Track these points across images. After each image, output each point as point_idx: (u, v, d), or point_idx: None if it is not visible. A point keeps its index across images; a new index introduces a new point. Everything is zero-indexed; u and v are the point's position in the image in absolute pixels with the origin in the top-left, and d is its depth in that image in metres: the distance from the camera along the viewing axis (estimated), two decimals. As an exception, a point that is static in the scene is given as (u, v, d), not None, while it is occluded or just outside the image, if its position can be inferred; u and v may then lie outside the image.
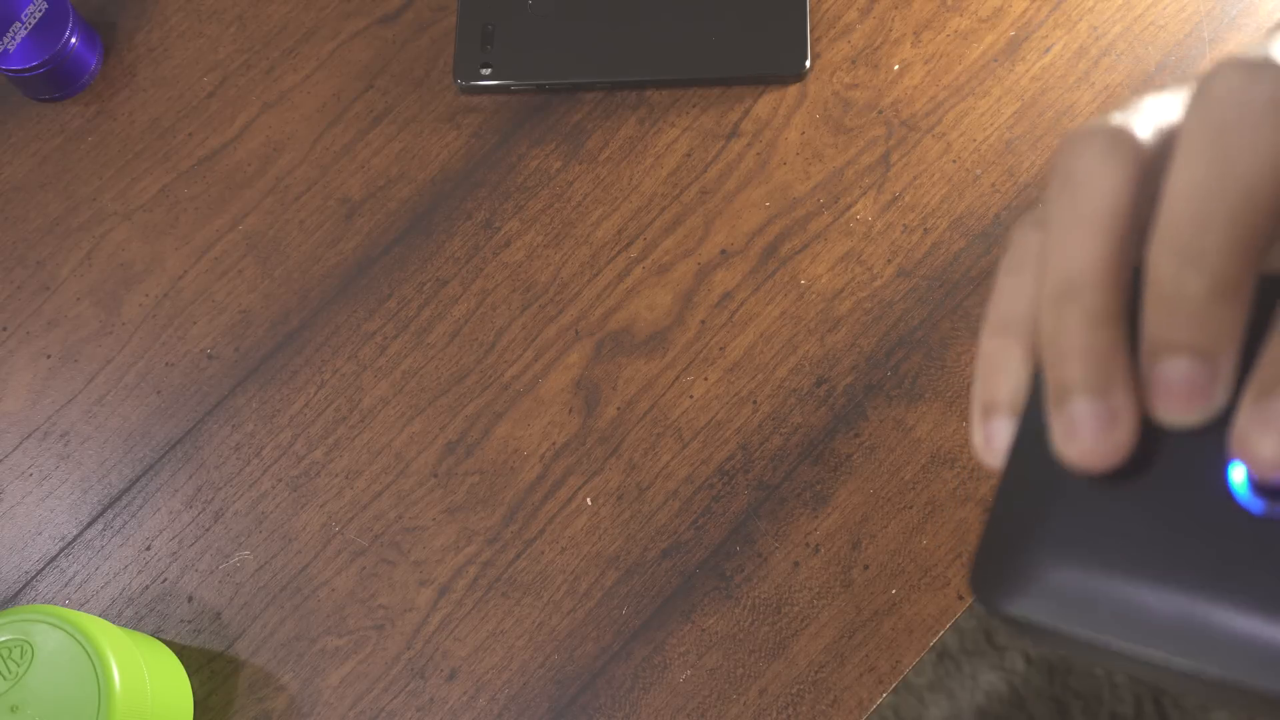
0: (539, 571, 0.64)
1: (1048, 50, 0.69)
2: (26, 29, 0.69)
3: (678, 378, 0.66)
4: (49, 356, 0.68)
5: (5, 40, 0.69)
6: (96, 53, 0.72)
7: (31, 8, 0.69)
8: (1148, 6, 0.69)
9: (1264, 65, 0.25)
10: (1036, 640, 0.28)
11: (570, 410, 0.66)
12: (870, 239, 0.67)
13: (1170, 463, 0.27)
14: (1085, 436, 0.26)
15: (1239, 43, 0.68)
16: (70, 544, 0.66)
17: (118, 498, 0.66)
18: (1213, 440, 0.26)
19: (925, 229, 0.67)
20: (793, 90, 0.70)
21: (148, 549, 0.65)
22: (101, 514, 0.66)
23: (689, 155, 0.69)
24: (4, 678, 0.55)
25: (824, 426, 0.65)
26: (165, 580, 0.65)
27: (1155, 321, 0.26)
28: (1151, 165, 0.27)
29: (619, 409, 0.66)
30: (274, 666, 0.63)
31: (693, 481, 0.64)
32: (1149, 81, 0.68)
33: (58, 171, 0.71)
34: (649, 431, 0.65)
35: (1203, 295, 0.25)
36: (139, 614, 0.65)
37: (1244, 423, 0.25)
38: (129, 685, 0.56)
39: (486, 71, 0.70)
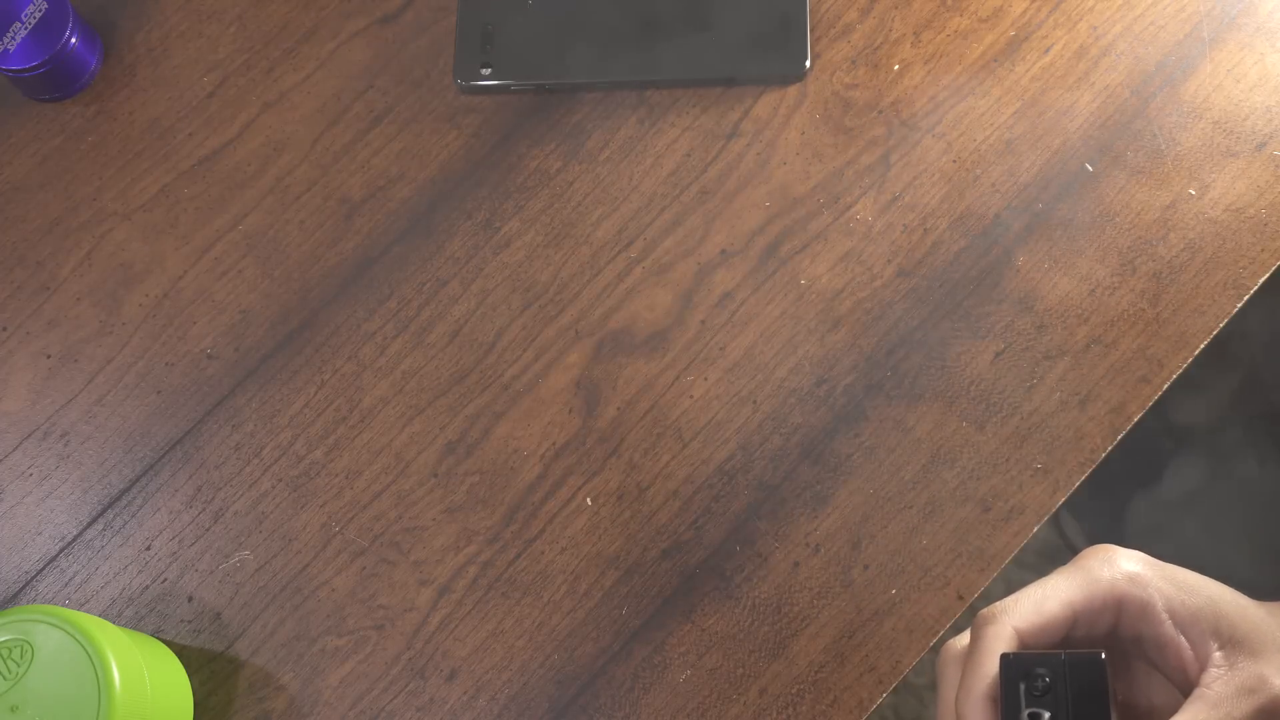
0: (539, 571, 0.64)
1: (1048, 50, 0.69)
2: (26, 29, 0.69)
3: (678, 378, 0.66)
4: (49, 356, 0.68)
5: (5, 40, 0.69)
6: (96, 53, 0.72)
7: (31, 8, 0.69)
8: (1148, 6, 0.69)
9: None
10: None
11: (570, 410, 0.66)
12: (870, 239, 0.67)
13: None
14: None
15: (1239, 43, 0.69)
16: (70, 544, 0.66)
17: (118, 498, 0.66)
18: None
19: (925, 229, 0.67)
20: (793, 90, 0.70)
21: (148, 549, 0.65)
22: (101, 514, 0.66)
23: (689, 155, 0.69)
24: (4, 678, 0.55)
25: (824, 426, 0.65)
26: (165, 580, 0.65)
27: None
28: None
29: (619, 409, 0.66)
30: (274, 666, 0.63)
31: (693, 481, 0.64)
32: (1149, 81, 0.68)
33: (58, 171, 0.71)
34: (649, 431, 0.65)
35: None
36: (139, 614, 0.65)
37: None
38: (129, 685, 0.56)
39: (486, 71, 0.70)
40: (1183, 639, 0.47)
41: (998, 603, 0.48)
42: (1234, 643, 0.47)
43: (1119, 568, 0.48)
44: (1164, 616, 0.47)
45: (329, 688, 0.63)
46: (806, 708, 0.61)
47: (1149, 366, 0.64)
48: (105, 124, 0.72)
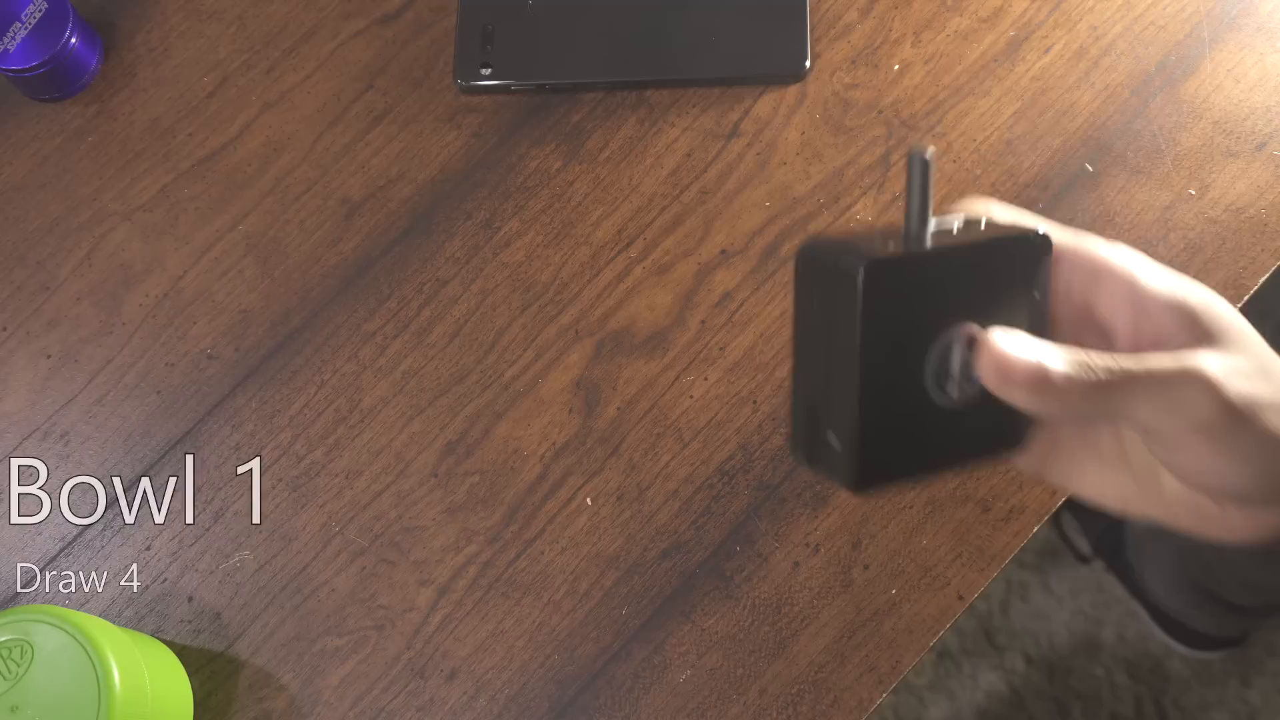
0: (539, 571, 0.64)
1: (1048, 50, 0.69)
2: (26, 29, 0.69)
3: (678, 378, 0.66)
4: (49, 356, 0.68)
5: (5, 40, 0.69)
6: (96, 53, 0.72)
7: (31, 8, 0.69)
8: (1148, 6, 0.69)
9: None
10: None
11: (570, 410, 0.66)
12: (870, 239, 0.67)
13: None
14: None
15: (1239, 43, 0.69)
16: (70, 544, 0.66)
17: (118, 498, 0.66)
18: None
19: (925, 229, 0.67)
20: (793, 90, 0.70)
21: (148, 549, 0.65)
22: (102, 514, 0.66)
23: (689, 155, 0.69)
24: (4, 678, 0.55)
25: (824, 426, 0.65)
26: (165, 580, 0.65)
27: None
28: None
29: (619, 409, 0.66)
30: (274, 666, 0.63)
31: (693, 481, 0.64)
32: (1149, 81, 0.68)
33: (58, 171, 0.71)
34: (649, 431, 0.65)
35: None
36: (139, 614, 0.65)
37: None
38: (129, 685, 0.56)
39: (486, 71, 0.70)
40: (1149, 313, 0.42)
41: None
42: (1207, 335, 0.41)
43: (1119, 247, 0.43)
44: (1142, 291, 0.42)
45: (329, 688, 0.63)
46: (806, 708, 0.61)
47: (1149, 366, 0.64)
48: (105, 124, 0.72)
